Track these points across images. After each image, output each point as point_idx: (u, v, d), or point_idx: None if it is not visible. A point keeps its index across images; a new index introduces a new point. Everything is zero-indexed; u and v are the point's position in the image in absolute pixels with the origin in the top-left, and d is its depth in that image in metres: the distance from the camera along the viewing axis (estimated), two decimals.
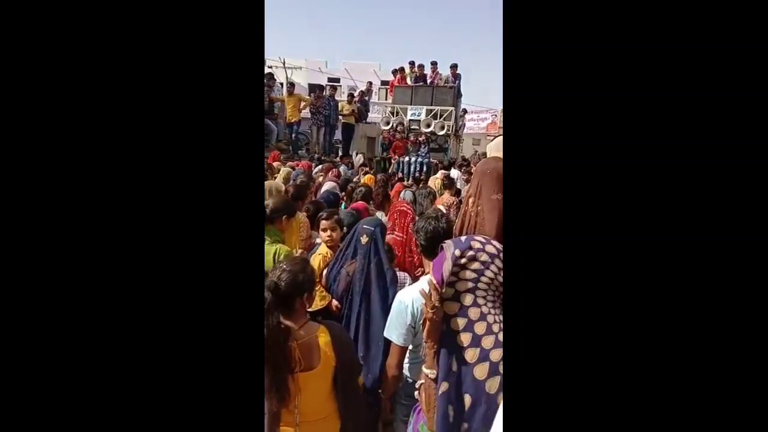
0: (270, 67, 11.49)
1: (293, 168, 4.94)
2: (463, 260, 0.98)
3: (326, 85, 11.21)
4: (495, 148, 1.46)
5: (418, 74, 9.97)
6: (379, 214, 3.27)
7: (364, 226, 1.99)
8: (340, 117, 9.47)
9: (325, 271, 2.11)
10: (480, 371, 0.93)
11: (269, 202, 2.31)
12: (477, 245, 1.00)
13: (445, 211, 3.11)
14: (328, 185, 4.23)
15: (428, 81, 9.74)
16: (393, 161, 8.13)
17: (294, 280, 1.25)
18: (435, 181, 5.00)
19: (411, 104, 9.35)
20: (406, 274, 2.07)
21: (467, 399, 0.94)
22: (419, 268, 2.21)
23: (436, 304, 0.96)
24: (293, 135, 8.91)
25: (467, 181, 5.63)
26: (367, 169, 7.02)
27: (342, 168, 6.64)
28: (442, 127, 8.90)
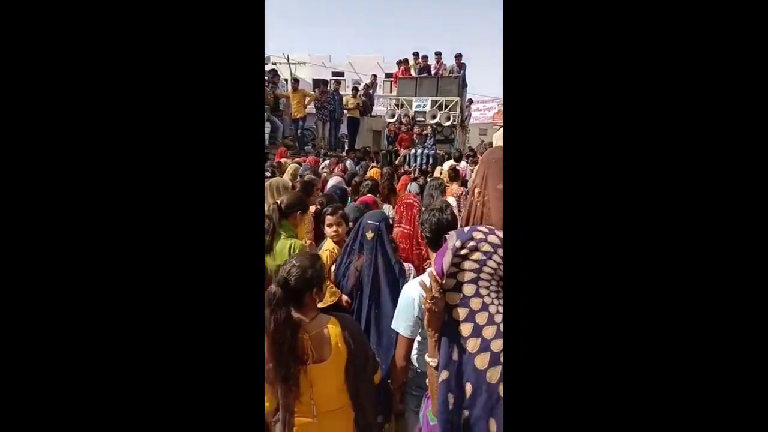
0: (274, 63, 11.49)
1: (300, 164, 4.95)
2: (464, 251, 0.98)
3: (330, 79, 11.18)
4: (500, 138, 1.45)
5: (422, 65, 9.83)
6: (386, 208, 3.27)
7: (369, 221, 1.99)
8: (345, 111, 9.44)
9: (333, 267, 2.11)
10: (481, 361, 0.94)
11: (284, 199, 2.33)
12: (479, 236, 1.00)
13: (455, 203, 3.11)
14: (334, 180, 4.24)
15: (433, 72, 9.63)
16: (399, 154, 8.11)
17: (303, 276, 1.27)
18: (443, 172, 4.97)
19: (416, 96, 9.23)
20: (410, 265, 2.07)
21: (468, 387, 0.95)
22: (427, 260, 2.21)
23: (436, 295, 0.97)
24: (299, 131, 8.93)
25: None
26: (374, 163, 7.02)
27: (348, 162, 6.64)
28: (448, 118, 8.78)
